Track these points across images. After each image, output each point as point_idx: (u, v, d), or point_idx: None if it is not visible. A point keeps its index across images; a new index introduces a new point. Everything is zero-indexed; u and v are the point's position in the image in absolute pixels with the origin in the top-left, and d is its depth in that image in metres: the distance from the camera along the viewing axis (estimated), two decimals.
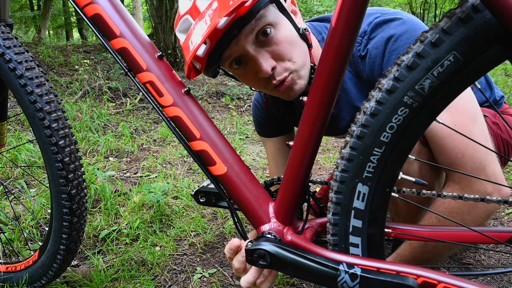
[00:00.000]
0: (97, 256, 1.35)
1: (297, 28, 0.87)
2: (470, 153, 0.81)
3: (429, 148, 0.88)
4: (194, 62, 0.86)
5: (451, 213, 0.85)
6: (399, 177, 0.61)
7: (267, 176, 2.19)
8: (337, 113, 1.05)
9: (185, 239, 1.50)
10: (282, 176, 0.75)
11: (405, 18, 0.89)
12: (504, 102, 1.21)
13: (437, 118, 0.57)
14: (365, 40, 0.92)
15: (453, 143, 0.82)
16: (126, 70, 0.81)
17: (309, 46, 0.90)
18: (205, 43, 0.79)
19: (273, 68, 0.84)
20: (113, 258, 1.37)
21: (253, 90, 1.03)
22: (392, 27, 0.88)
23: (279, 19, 0.83)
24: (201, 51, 0.80)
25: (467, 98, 0.83)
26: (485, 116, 0.86)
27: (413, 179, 0.65)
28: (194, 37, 0.75)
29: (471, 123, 0.82)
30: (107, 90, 3.92)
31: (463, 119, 0.82)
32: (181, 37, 0.83)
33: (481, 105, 0.87)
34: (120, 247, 1.44)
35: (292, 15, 0.87)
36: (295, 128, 1.34)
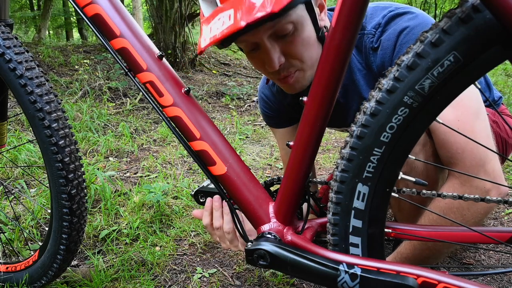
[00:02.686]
0: (97, 256, 1.35)
1: (317, 30, 0.87)
2: (470, 149, 0.82)
3: None
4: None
5: (451, 208, 0.86)
6: (399, 177, 0.61)
7: (267, 176, 2.19)
8: (345, 103, 1.06)
9: (185, 239, 1.50)
10: (282, 176, 0.75)
11: (418, 12, 0.92)
12: (502, 103, 1.23)
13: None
14: (378, 32, 0.93)
15: (454, 138, 0.83)
16: (126, 70, 0.81)
17: None
18: None
19: (281, 64, 0.86)
20: (113, 258, 1.37)
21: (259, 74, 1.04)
22: (405, 20, 0.90)
23: (303, 19, 0.83)
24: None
25: (471, 95, 0.84)
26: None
27: (413, 179, 0.65)
28: (214, 26, 0.74)
29: (473, 119, 0.83)
30: (107, 90, 3.92)
31: (466, 114, 0.82)
32: (202, 5, 0.81)
33: None
34: (120, 247, 1.44)
35: (317, 10, 0.87)
36: None
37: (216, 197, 0.88)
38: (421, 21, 0.89)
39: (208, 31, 0.76)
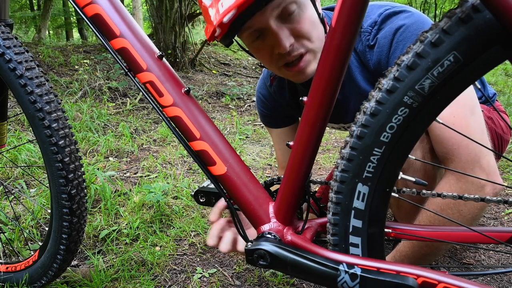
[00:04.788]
0: (97, 256, 1.35)
1: (318, 12, 0.89)
2: (465, 144, 0.83)
3: None
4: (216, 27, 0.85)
5: (448, 204, 0.87)
6: (399, 177, 0.61)
7: (267, 176, 2.19)
8: (343, 100, 1.07)
9: (185, 239, 1.50)
10: (282, 176, 0.75)
11: (413, 11, 0.93)
12: (496, 100, 1.26)
13: None
14: (375, 30, 0.95)
15: (449, 134, 0.84)
16: (126, 70, 0.81)
17: (326, 31, 0.93)
18: None
19: (291, 45, 0.86)
20: (113, 258, 1.37)
21: (261, 66, 1.04)
22: (401, 19, 0.91)
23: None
24: (226, 18, 0.79)
25: (466, 91, 0.85)
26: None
27: (413, 179, 0.65)
28: (225, 1, 0.75)
29: (468, 115, 0.84)
30: (107, 90, 3.92)
31: (461, 110, 0.83)
32: None
33: None
34: (120, 247, 1.44)
35: None
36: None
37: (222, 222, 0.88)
38: (417, 19, 0.90)
39: (219, 7, 0.76)
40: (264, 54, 0.92)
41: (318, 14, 0.89)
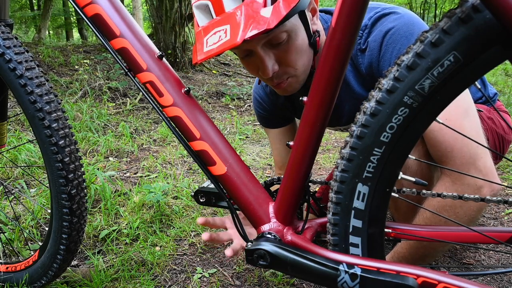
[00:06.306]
0: (97, 256, 1.35)
1: (309, 35, 0.89)
2: (459, 147, 0.82)
3: None
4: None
5: (444, 206, 0.86)
6: (399, 177, 0.62)
7: (267, 176, 2.19)
8: (338, 103, 1.07)
9: (185, 239, 1.50)
10: (282, 176, 0.75)
11: (403, 12, 0.93)
12: (498, 100, 1.25)
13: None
14: (365, 33, 0.94)
15: (442, 137, 0.83)
16: (126, 70, 0.81)
17: (316, 52, 0.93)
18: None
19: (274, 72, 0.88)
20: (113, 258, 1.37)
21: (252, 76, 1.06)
22: (390, 21, 0.91)
23: (296, 27, 0.85)
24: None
25: (461, 93, 0.84)
26: (480, 111, 0.87)
27: (413, 179, 0.65)
28: (210, 39, 0.76)
29: (462, 118, 0.83)
30: (107, 90, 3.92)
31: (454, 113, 0.83)
32: (197, 14, 0.82)
33: (476, 101, 0.88)
34: (120, 247, 1.44)
35: (310, 15, 0.89)
36: (297, 120, 1.36)
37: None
38: (406, 21, 0.90)
39: (204, 43, 0.77)
40: (252, 69, 0.94)
41: (310, 37, 0.89)
